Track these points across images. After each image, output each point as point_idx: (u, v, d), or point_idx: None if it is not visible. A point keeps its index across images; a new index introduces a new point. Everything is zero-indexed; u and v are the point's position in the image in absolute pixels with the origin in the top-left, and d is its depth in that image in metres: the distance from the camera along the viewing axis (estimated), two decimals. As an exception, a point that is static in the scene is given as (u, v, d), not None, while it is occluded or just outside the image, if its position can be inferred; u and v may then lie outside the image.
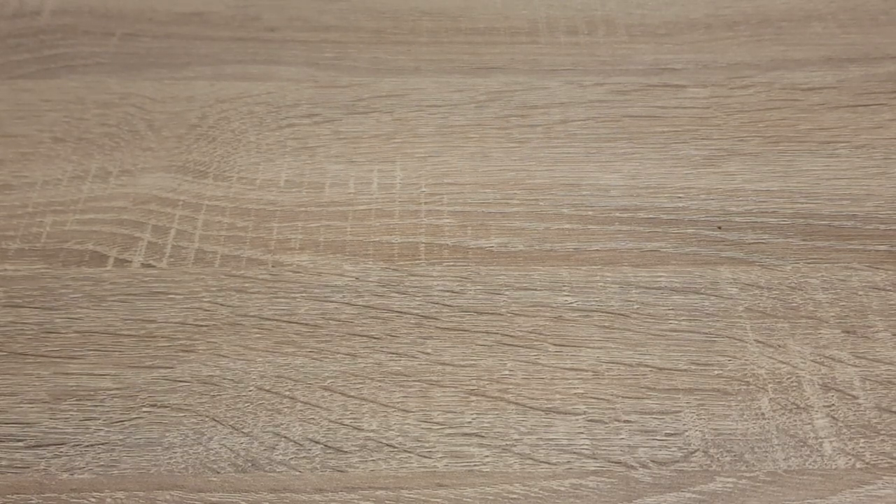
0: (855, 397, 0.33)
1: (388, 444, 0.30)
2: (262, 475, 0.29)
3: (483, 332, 0.34)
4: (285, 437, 0.30)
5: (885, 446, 0.31)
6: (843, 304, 0.35)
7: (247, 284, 0.35)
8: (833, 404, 0.33)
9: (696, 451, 0.32)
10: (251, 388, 0.32)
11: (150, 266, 0.37)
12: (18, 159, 0.41)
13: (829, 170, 0.39)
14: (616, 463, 0.31)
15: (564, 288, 0.35)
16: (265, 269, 0.36)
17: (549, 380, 0.32)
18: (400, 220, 0.38)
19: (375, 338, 0.33)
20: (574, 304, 0.35)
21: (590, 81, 0.42)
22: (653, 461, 0.32)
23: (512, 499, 0.29)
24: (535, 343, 0.33)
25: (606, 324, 0.34)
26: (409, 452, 0.30)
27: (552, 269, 0.36)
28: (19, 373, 0.33)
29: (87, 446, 0.30)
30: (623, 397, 0.33)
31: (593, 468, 0.30)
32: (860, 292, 0.35)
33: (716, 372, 0.34)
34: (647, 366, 0.34)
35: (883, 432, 0.32)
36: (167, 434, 0.31)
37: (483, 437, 0.31)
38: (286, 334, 0.33)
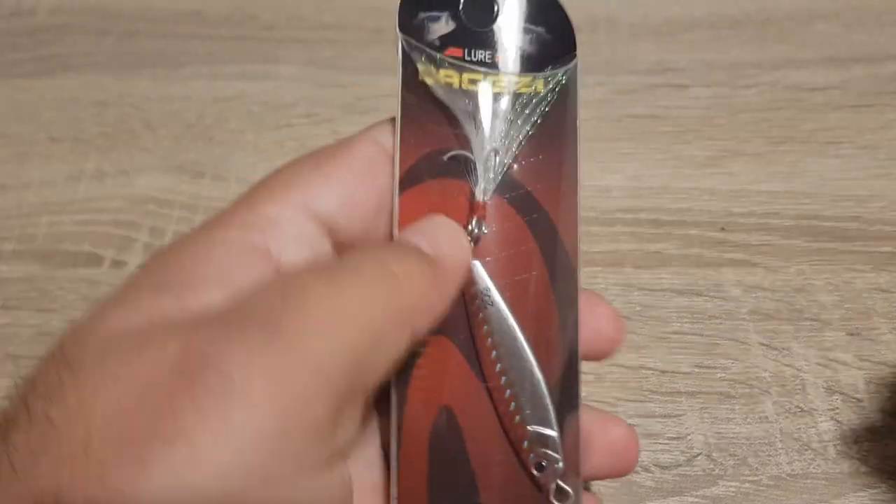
0: (859, 400, 0.32)
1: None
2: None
3: (484, 335, 0.33)
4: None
5: (890, 450, 0.31)
6: (848, 306, 0.35)
7: (245, 286, 0.35)
8: (837, 407, 0.32)
9: (699, 454, 0.32)
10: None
11: (147, 267, 0.36)
12: (14, 159, 0.40)
13: (833, 170, 0.38)
14: (618, 467, 0.30)
15: (566, 290, 0.35)
16: (263, 270, 0.35)
17: (550, 383, 0.32)
18: (400, 221, 0.37)
19: (375, 340, 0.33)
20: (576, 306, 0.34)
21: (592, 81, 0.42)
22: (655, 465, 0.31)
23: None
24: (537, 345, 0.33)
25: (608, 326, 0.34)
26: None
27: (553, 271, 0.35)
28: (15, 375, 0.33)
29: (83, 450, 0.30)
30: (625, 400, 0.33)
31: (595, 473, 0.30)
32: (864, 294, 0.35)
33: (719, 375, 0.33)
34: (649, 368, 0.33)
35: (887, 436, 0.31)
36: (164, 438, 0.30)
37: (484, 441, 0.30)
38: (285, 336, 0.33)
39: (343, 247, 0.23)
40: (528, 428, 0.23)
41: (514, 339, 0.24)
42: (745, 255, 0.36)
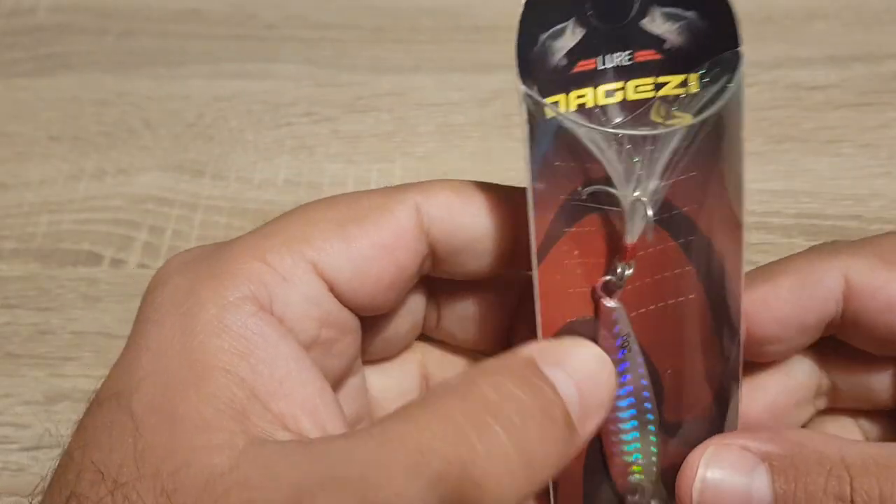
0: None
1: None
2: (260, 479, 0.29)
3: (484, 334, 0.33)
4: (283, 440, 0.30)
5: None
6: (848, 304, 0.35)
7: (244, 285, 0.35)
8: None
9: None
10: (249, 390, 0.31)
11: (146, 266, 0.36)
12: (14, 158, 0.40)
13: (833, 169, 0.38)
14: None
15: (566, 288, 0.35)
16: (263, 269, 0.35)
17: (550, 382, 0.32)
18: (399, 220, 0.37)
19: (375, 339, 0.33)
20: (576, 305, 0.34)
21: (591, 80, 0.42)
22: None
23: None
24: (537, 344, 0.33)
25: (609, 325, 0.34)
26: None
27: (553, 270, 0.35)
28: (14, 374, 0.33)
29: (83, 449, 0.30)
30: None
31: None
32: (865, 293, 0.35)
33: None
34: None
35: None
36: (164, 437, 0.30)
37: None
38: (284, 335, 0.33)
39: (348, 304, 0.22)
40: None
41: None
42: (745, 254, 0.36)
